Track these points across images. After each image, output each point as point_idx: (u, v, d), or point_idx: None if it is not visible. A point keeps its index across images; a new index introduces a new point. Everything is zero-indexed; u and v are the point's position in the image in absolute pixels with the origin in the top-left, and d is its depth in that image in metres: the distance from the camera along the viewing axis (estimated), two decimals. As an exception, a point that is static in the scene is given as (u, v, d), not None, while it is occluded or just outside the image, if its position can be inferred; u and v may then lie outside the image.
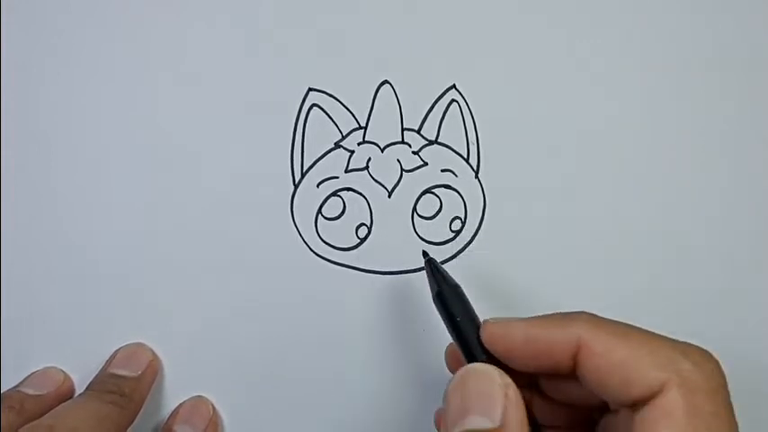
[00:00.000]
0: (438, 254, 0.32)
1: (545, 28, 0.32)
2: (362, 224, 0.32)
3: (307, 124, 0.32)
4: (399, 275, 0.32)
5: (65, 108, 0.31)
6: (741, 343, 0.33)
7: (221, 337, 0.32)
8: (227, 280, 0.32)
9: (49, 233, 0.32)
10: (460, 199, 0.32)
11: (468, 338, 0.26)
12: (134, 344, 0.32)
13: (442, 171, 0.32)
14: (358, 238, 0.32)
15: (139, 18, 0.31)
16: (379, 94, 0.32)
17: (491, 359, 0.25)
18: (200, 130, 0.32)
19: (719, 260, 0.33)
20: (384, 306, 0.32)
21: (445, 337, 0.27)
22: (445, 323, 0.27)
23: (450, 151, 0.32)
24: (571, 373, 0.23)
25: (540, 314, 0.25)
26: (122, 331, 0.32)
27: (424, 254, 0.29)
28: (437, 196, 0.32)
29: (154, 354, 0.32)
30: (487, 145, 0.32)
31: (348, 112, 0.32)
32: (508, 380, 0.22)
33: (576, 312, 0.24)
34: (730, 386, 0.22)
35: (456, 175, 0.32)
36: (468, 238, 0.32)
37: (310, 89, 0.32)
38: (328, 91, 0.32)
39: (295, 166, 0.32)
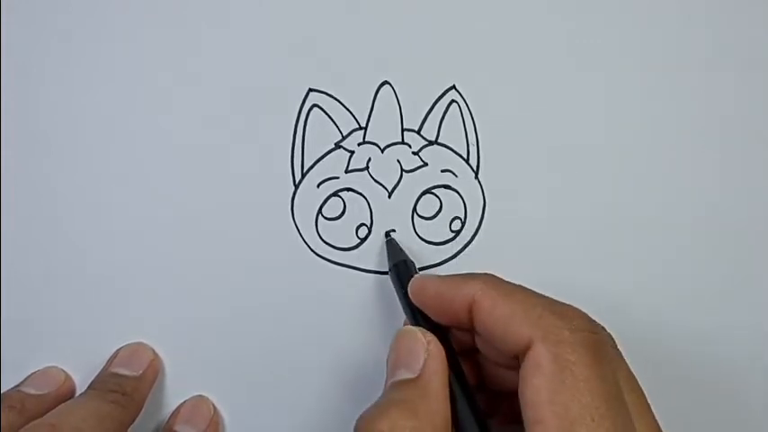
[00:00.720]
0: (438, 254, 0.32)
1: (545, 28, 0.32)
2: (363, 224, 0.32)
3: (307, 125, 0.32)
4: (399, 275, 0.32)
5: (65, 108, 0.31)
6: (742, 343, 0.33)
7: (221, 337, 0.32)
8: (227, 280, 0.32)
9: (48, 233, 0.32)
10: (460, 199, 0.32)
11: (411, 306, 0.28)
12: (135, 343, 0.32)
13: (442, 171, 0.32)
14: (358, 238, 0.32)
15: (139, 18, 0.31)
16: (379, 95, 0.32)
17: (426, 320, 0.27)
18: (201, 130, 0.32)
19: (720, 260, 0.33)
20: (384, 306, 0.32)
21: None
22: (397, 293, 0.29)
23: (450, 152, 0.32)
24: (472, 328, 0.25)
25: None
26: (123, 331, 0.32)
27: (387, 234, 0.32)
28: (437, 196, 0.32)
29: (155, 353, 0.32)
30: (487, 145, 0.32)
31: (348, 113, 0.32)
32: (431, 337, 0.25)
33: (479, 273, 0.26)
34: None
35: (456, 176, 0.32)
36: (468, 238, 0.32)
37: (310, 89, 0.32)
38: (328, 91, 0.32)
39: (295, 167, 0.32)
